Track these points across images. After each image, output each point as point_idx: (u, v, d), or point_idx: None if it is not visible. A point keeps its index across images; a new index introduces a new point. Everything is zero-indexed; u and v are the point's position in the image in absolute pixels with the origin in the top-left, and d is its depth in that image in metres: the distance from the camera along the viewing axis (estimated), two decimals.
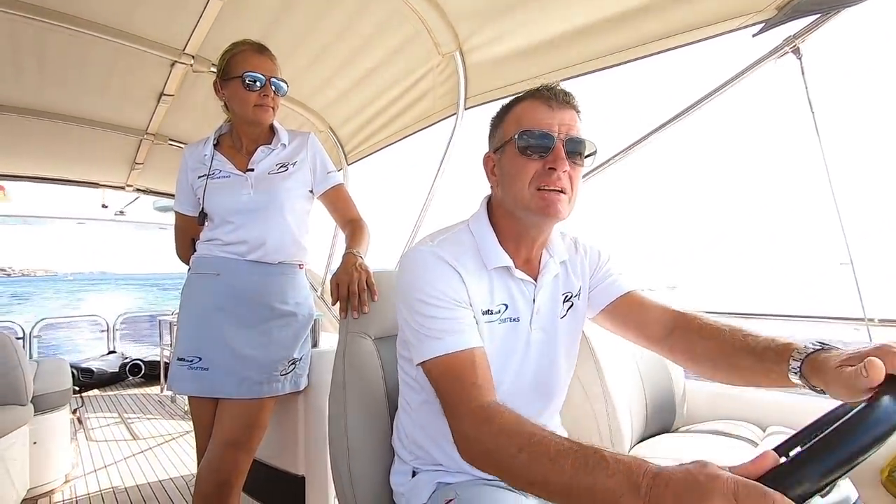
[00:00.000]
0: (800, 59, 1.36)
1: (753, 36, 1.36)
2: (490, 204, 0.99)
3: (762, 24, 1.33)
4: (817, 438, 0.48)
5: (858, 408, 0.51)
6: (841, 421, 0.49)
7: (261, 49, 1.44)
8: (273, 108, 1.45)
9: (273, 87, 1.42)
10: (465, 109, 2.05)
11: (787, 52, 1.36)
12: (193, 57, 1.98)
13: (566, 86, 0.90)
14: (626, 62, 1.60)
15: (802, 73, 1.36)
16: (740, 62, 1.51)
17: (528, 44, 1.71)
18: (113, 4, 1.69)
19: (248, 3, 1.69)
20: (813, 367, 0.69)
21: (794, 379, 0.72)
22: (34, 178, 3.62)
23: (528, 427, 0.70)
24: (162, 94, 2.30)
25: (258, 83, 1.40)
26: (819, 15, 1.28)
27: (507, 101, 0.95)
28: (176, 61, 1.99)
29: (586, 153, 0.88)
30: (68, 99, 2.41)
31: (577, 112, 0.89)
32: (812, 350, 0.71)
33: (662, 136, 1.71)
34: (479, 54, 1.85)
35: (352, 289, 1.16)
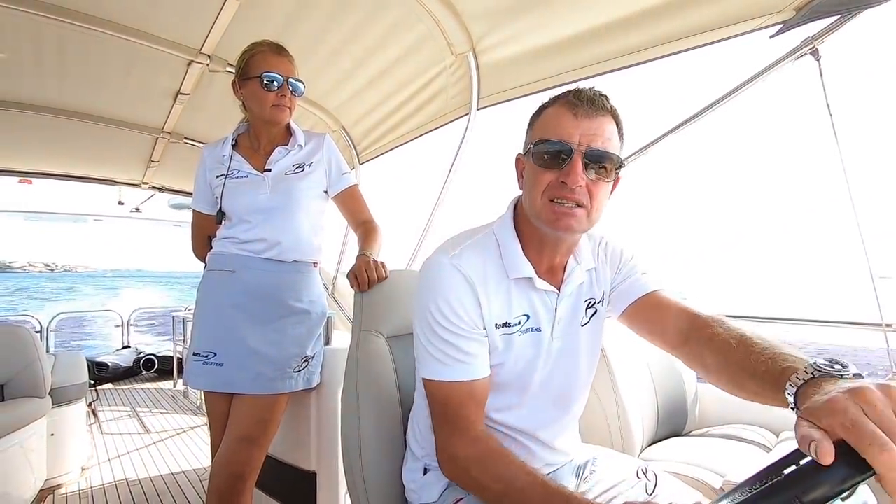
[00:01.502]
0: (818, 60, 1.34)
1: (771, 37, 1.34)
2: (517, 206, 0.96)
3: (780, 26, 1.31)
4: (768, 484, 0.46)
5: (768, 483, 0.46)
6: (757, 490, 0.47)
7: (279, 50, 1.46)
8: (290, 109, 1.47)
9: (290, 88, 1.45)
10: (478, 110, 2.05)
11: (806, 54, 1.35)
12: (210, 57, 2.00)
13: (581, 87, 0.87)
14: (641, 63, 1.58)
15: (821, 75, 1.34)
16: (757, 65, 1.49)
17: (542, 44, 1.70)
18: (132, 5, 1.71)
19: (264, 4, 1.70)
20: (804, 398, 0.56)
21: (794, 409, 0.58)
22: (52, 175, 3.69)
23: (513, 469, 0.79)
24: (178, 93, 2.34)
25: (276, 83, 1.42)
26: (838, 16, 1.26)
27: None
28: (192, 61, 2.02)
29: (613, 166, 0.83)
30: (87, 97, 2.45)
31: (614, 116, 0.84)
32: (806, 379, 0.57)
33: (679, 137, 1.70)
34: (492, 54, 1.85)
35: (368, 268, 1.20)
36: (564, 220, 0.82)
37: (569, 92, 0.84)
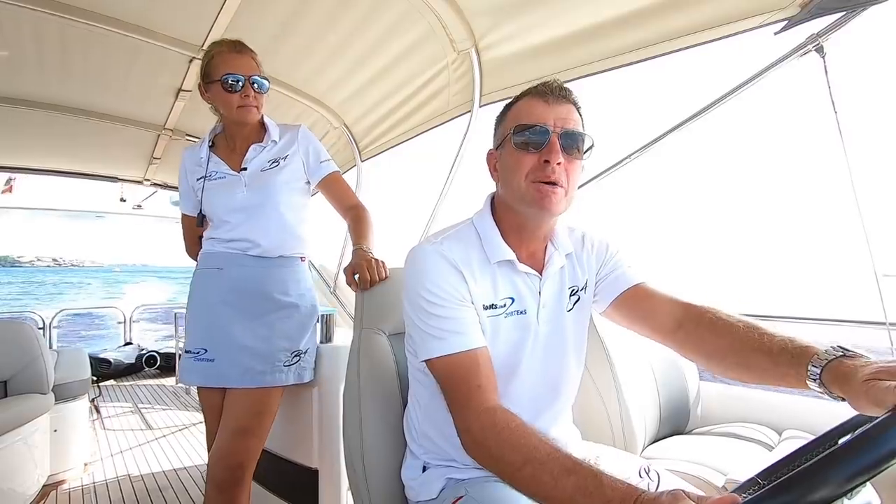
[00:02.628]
0: (823, 57, 1.33)
1: (776, 34, 1.34)
2: (494, 200, 1.00)
3: (785, 22, 1.30)
4: (775, 482, 0.47)
5: (829, 450, 0.48)
6: (806, 465, 0.47)
7: (238, 47, 1.44)
8: (257, 107, 1.46)
9: (255, 86, 1.43)
10: (481, 107, 2.04)
11: (811, 51, 1.34)
12: None
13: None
14: (645, 59, 1.57)
15: (826, 72, 1.33)
16: (761, 62, 1.48)
17: (545, 40, 1.69)
18: (134, 2, 1.71)
19: (265, 1, 1.70)
20: (835, 374, 0.66)
21: (812, 385, 0.69)
22: (55, 172, 3.69)
23: (532, 439, 0.73)
24: (180, 89, 2.33)
25: (239, 83, 1.40)
26: (843, 12, 1.25)
27: None
28: (194, 58, 2.02)
29: (584, 147, 0.89)
30: (89, 94, 2.45)
31: (576, 107, 0.90)
32: (833, 357, 0.68)
33: (683, 134, 1.69)
34: (495, 51, 1.84)
35: (369, 267, 1.20)
36: (549, 198, 0.86)
37: (536, 85, 0.90)
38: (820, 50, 1.33)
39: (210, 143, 1.54)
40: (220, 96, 1.42)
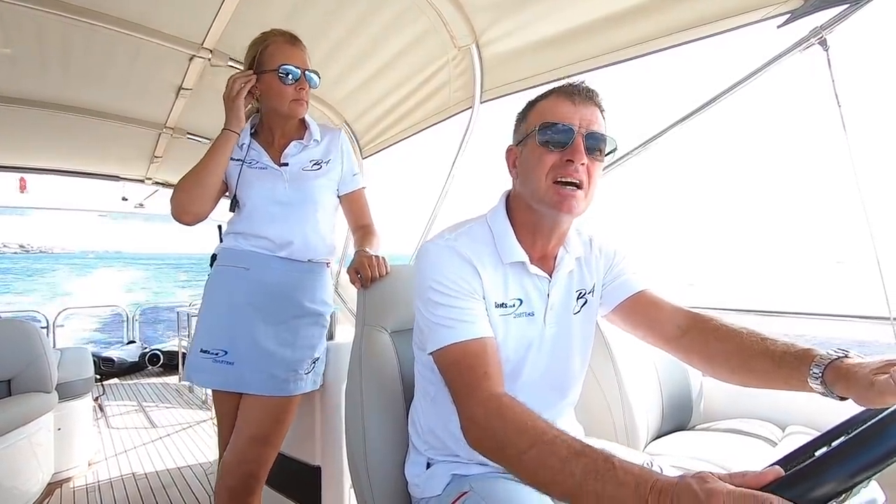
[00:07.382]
0: (826, 50, 1.32)
1: (778, 27, 1.33)
2: (509, 197, 1.00)
3: (788, 15, 1.29)
4: (820, 454, 0.47)
5: (872, 422, 0.47)
6: (848, 437, 0.47)
7: (293, 40, 1.41)
8: (307, 102, 1.43)
9: (308, 81, 1.41)
10: (481, 103, 2.04)
11: (814, 44, 1.33)
12: (211, 51, 1.99)
13: (585, 78, 0.91)
14: (647, 54, 1.56)
15: (829, 66, 1.32)
16: (764, 56, 1.48)
17: (545, 36, 1.69)
18: (134, 0, 1.71)
19: None
20: (837, 374, 0.69)
21: (815, 385, 0.72)
22: (57, 171, 3.70)
23: (539, 423, 0.71)
24: (180, 88, 2.33)
25: (292, 76, 1.37)
26: (847, 5, 1.24)
27: (524, 94, 0.96)
28: (194, 55, 2.01)
29: (607, 149, 0.89)
30: (90, 93, 2.45)
31: (601, 110, 0.91)
32: (835, 357, 0.71)
33: (683, 130, 1.68)
34: (495, 47, 1.84)
35: (370, 264, 1.20)
36: (568, 200, 0.86)
37: (563, 85, 0.91)
38: (823, 43, 1.31)
39: (252, 131, 1.50)
40: (273, 87, 1.38)
